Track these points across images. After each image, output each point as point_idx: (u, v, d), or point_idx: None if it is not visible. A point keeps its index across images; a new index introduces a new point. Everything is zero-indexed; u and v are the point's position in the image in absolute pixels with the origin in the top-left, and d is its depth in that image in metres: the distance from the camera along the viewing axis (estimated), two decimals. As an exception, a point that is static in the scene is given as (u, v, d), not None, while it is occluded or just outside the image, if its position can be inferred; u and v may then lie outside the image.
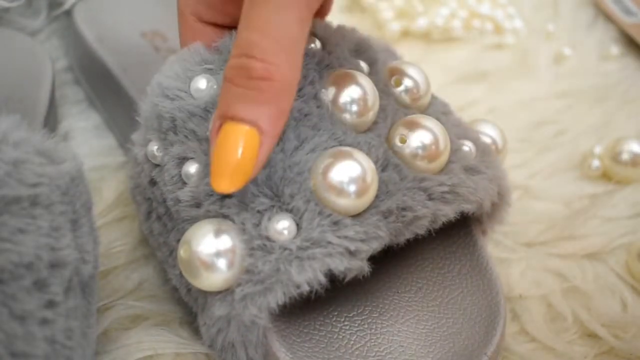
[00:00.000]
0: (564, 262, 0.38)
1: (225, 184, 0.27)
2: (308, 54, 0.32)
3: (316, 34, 0.33)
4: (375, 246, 0.29)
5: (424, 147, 0.31)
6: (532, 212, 0.41)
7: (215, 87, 0.31)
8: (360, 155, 0.29)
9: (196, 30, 0.33)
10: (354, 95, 0.31)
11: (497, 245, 0.39)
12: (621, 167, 0.43)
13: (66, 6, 0.48)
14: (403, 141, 0.31)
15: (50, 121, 0.41)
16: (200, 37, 0.33)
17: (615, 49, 0.53)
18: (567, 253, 0.39)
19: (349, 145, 0.30)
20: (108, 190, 0.40)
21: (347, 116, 0.31)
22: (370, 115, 0.31)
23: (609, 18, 0.56)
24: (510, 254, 0.38)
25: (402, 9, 0.54)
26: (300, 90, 0.31)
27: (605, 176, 0.44)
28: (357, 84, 0.31)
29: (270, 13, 0.27)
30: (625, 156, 0.43)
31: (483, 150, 0.34)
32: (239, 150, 0.27)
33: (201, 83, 0.31)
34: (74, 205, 0.29)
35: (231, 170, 0.27)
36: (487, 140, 0.35)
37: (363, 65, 0.34)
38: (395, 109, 0.33)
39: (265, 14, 0.27)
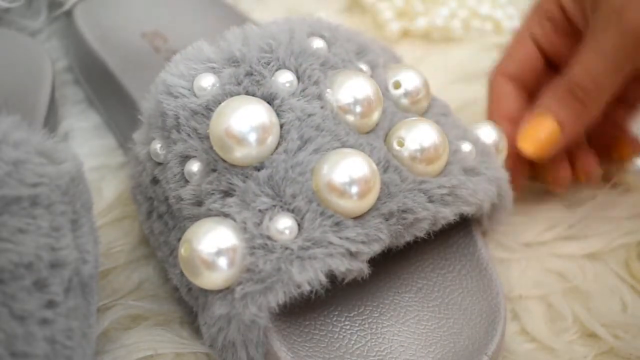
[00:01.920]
0: (564, 262, 0.38)
1: (529, 150, 0.37)
2: (313, 55, 0.32)
3: (322, 35, 0.33)
4: (376, 249, 0.29)
5: (422, 150, 0.31)
6: (532, 212, 0.41)
7: (217, 85, 0.31)
8: (362, 157, 0.29)
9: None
10: (358, 96, 0.31)
11: (497, 245, 0.39)
12: (635, 177, 0.42)
13: (66, 7, 0.48)
14: (401, 144, 0.31)
15: (50, 121, 0.41)
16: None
17: (615, 49, 0.53)
18: (567, 253, 0.39)
19: (352, 146, 0.30)
20: (108, 190, 0.40)
21: (350, 117, 0.31)
22: (374, 117, 0.31)
23: (608, 18, 0.56)
24: (510, 254, 0.38)
25: (402, 9, 0.54)
26: (304, 90, 0.31)
27: (616, 185, 0.43)
28: (362, 85, 0.31)
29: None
30: (638, 163, 0.42)
31: (483, 151, 0.34)
32: (541, 133, 0.36)
33: (204, 82, 0.31)
34: (74, 205, 0.29)
35: (537, 144, 0.36)
36: (487, 140, 0.35)
37: (365, 68, 0.34)
38: (394, 112, 0.33)
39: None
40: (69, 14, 0.48)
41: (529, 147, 0.36)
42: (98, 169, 0.41)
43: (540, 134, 0.36)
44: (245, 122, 0.29)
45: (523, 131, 0.37)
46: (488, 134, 0.36)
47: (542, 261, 0.38)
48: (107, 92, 0.43)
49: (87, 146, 0.43)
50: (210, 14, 0.48)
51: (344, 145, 0.30)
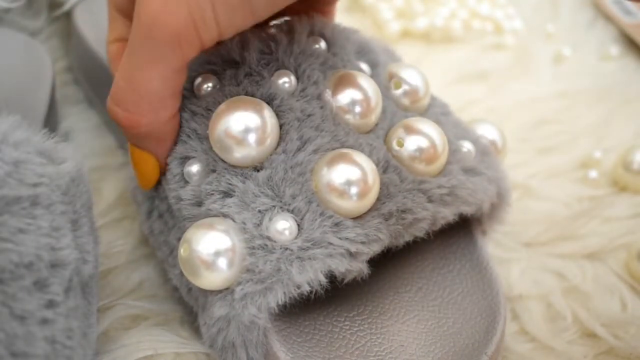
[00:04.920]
0: (564, 262, 0.38)
1: (141, 184, 0.32)
2: (313, 55, 0.32)
3: (323, 34, 0.33)
4: (376, 249, 0.29)
5: (422, 150, 0.31)
6: (532, 212, 0.41)
7: (218, 86, 0.31)
8: (362, 157, 0.29)
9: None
10: (358, 96, 0.31)
11: (497, 245, 0.39)
12: (633, 176, 0.42)
13: (66, 7, 0.48)
14: (400, 144, 0.31)
15: (51, 121, 0.41)
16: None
17: (614, 49, 0.53)
18: (567, 253, 0.39)
19: (351, 146, 0.30)
20: (108, 190, 0.40)
21: (350, 117, 0.31)
22: (373, 116, 0.31)
23: (608, 18, 0.56)
24: (510, 254, 0.38)
25: (402, 9, 0.54)
26: (303, 90, 0.31)
27: (616, 184, 0.43)
28: (361, 85, 0.31)
29: (134, 68, 0.29)
30: (637, 165, 0.42)
31: (482, 150, 0.34)
32: (144, 166, 0.32)
33: (204, 83, 0.31)
34: (74, 205, 0.29)
35: (142, 176, 0.32)
36: (487, 140, 0.35)
37: (365, 67, 0.34)
38: (394, 112, 0.33)
39: (130, 68, 0.29)
40: (69, 14, 0.48)
41: (146, 181, 0.32)
42: (98, 169, 0.41)
43: (143, 167, 0.32)
44: (245, 122, 0.29)
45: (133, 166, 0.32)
46: (488, 133, 0.36)
47: (542, 261, 0.38)
48: (107, 92, 0.43)
49: (87, 146, 0.43)
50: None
51: (343, 145, 0.30)
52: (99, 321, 0.32)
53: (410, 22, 0.53)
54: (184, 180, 0.31)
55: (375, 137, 0.31)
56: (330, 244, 0.28)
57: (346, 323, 0.31)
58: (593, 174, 0.43)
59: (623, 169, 0.42)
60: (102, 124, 0.45)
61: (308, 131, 0.30)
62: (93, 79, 0.45)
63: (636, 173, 0.42)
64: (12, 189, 0.27)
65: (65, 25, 0.49)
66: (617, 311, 0.36)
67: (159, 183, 0.33)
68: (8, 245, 0.26)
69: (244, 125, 0.29)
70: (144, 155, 0.31)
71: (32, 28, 0.48)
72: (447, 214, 0.31)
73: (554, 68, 0.52)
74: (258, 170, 0.30)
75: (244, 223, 0.29)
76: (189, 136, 0.31)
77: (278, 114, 0.30)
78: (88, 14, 0.47)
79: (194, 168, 0.31)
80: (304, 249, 0.28)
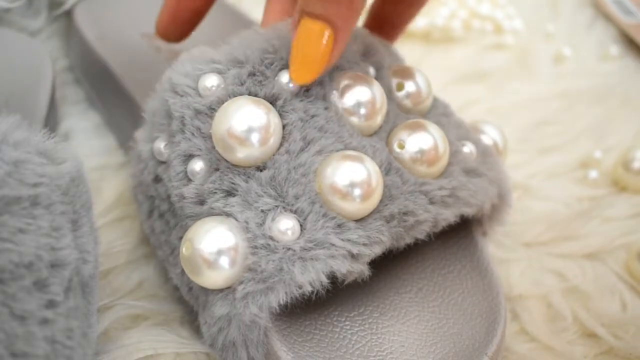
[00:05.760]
0: (564, 262, 0.38)
1: (297, 74, 0.30)
2: None
3: None
4: (377, 251, 0.29)
5: (423, 152, 0.31)
6: (532, 212, 0.41)
7: (222, 86, 0.31)
8: (365, 159, 0.29)
9: None
10: (363, 98, 0.31)
11: (498, 246, 0.39)
12: (632, 176, 0.42)
13: (66, 6, 0.48)
14: (401, 147, 0.31)
15: (51, 121, 0.41)
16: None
17: (614, 49, 0.53)
18: (567, 253, 0.39)
19: (355, 148, 0.30)
20: (108, 190, 0.40)
21: (354, 119, 0.31)
22: (379, 118, 0.31)
23: (608, 18, 0.56)
24: (510, 254, 0.38)
25: (402, 9, 0.54)
26: (308, 91, 0.31)
27: (616, 184, 0.43)
28: (367, 87, 0.31)
29: None
30: (637, 165, 0.42)
31: (484, 151, 0.34)
32: (313, 44, 0.29)
33: (208, 82, 0.31)
34: (74, 205, 0.29)
35: (303, 61, 0.29)
36: (488, 140, 0.35)
37: (371, 69, 0.34)
38: (397, 114, 0.33)
39: None
40: (69, 13, 0.48)
41: (307, 69, 0.29)
42: (98, 169, 0.41)
43: (312, 46, 0.29)
44: (248, 122, 0.29)
45: (293, 54, 0.29)
46: (489, 133, 0.36)
47: (542, 261, 0.38)
48: (108, 92, 0.43)
49: (87, 146, 0.43)
50: (210, 14, 0.48)
51: (347, 147, 0.30)
52: (99, 321, 0.32)
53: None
54: (187, 178, 0.31)
55: (378, 139, 0.31)
56: (333, 245, 0.28)
57: (347, 323, 0.31)
58: (593, 174, 0.43)
59: (623, 169, 0.42)
60: (102, 124, 0.45)
61: (312, 132, 0.30)
62: (93, 79, 0.45)
63: (636, 173, 0.42)
64: (12, 189, 0.27)
65: (65, 25, 0.49)
66: (617, 311, 0.36)
67: (159, 181, 0.33)
68: (8, 245, 0.26)
69: (247, 125, 0.29)
70: (317, 27, 0.28)
71: (32, 28, 0.47)
72: (449, 216, 0.31)
73: (554, 68, 0.52)
74: (261, 170, 0.30)
75: (247, 222, 0.29)
76: (193, 134, 0.31)
77: (281, 114, 0.30)
78: (88, 14, 0.47)
79: (197, 166, 0.31)
80: (306, 249, 0.28)
